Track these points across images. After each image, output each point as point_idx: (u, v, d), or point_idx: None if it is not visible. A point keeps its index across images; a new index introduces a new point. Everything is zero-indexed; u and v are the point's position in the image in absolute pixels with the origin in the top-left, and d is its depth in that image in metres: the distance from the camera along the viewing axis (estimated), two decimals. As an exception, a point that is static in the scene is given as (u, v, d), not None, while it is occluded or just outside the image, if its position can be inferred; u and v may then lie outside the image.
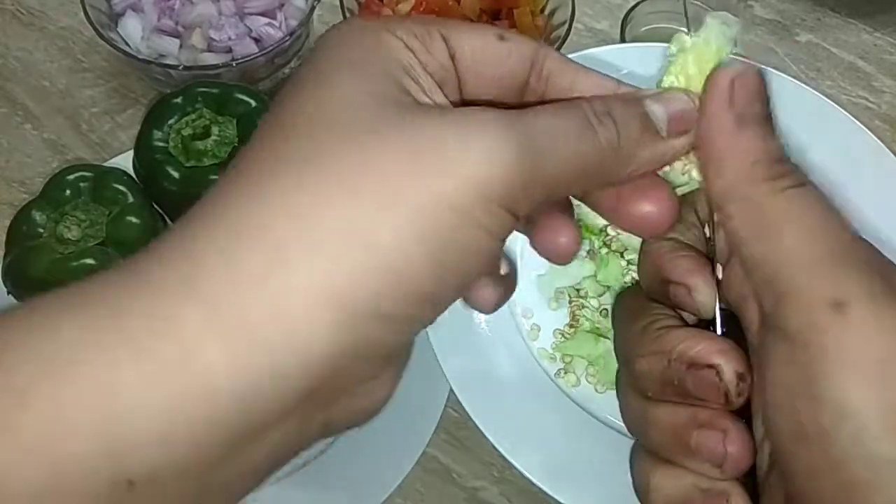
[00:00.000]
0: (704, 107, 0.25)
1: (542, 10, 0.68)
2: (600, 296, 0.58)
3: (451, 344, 0.53)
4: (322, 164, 0.21)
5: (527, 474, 0.51)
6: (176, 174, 0.54)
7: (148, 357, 0.20)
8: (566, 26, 0.65)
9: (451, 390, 0.53)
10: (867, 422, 0.22)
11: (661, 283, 0.27)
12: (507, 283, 0.28)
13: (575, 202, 0.28)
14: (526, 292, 0.57)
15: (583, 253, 0.58)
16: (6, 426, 0.19)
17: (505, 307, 0.56)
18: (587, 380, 0.55)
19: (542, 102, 0.26)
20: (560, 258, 0.27)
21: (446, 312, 0.23)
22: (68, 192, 0.53)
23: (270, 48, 0.63)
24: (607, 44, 0.71)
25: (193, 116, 0.55)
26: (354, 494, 0.54)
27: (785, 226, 0.24)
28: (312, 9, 0.65)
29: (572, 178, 0.24)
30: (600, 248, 0.58)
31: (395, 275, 0.21)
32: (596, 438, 0.53)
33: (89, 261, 0.51)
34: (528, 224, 0.27)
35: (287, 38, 0.64)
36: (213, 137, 0.55)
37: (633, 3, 0.70)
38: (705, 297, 0.26)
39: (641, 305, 0.28)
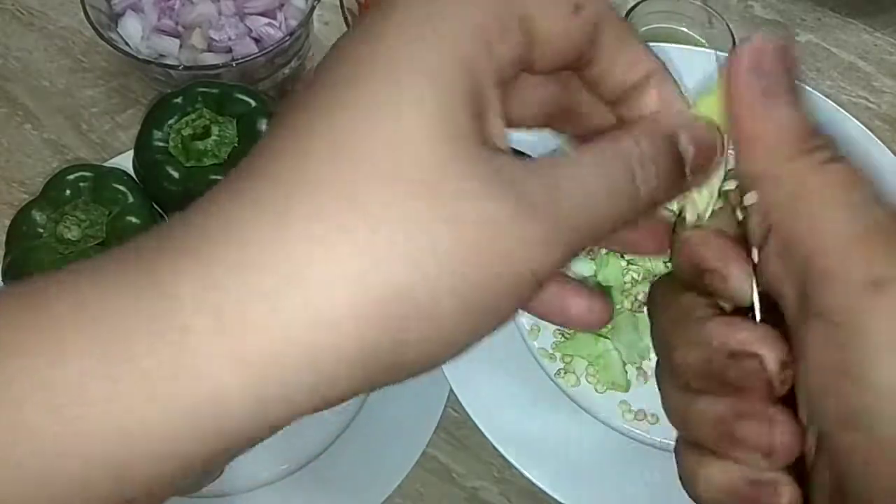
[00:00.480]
0: (730, 80, 0.24)
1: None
2: (600, 296, 0.58)
3: (451, 344, 0.53)
4: (374, 210, 0.20)
5: (527, 474, 0.51)
6: (176, 174, 0.54)
7: (156, 377, 0.20)
8: (566, 26, 0.65)
9: (451, 390, 0.53)
10: None
11: (695, 271, 0.26)
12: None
13: None
14: (526, 292, 0.57)
15: (582, 253, 0.58)
16: (8, 464, 0.19)
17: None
18: (587, 380, 0.55)
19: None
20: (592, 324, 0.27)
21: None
22: (68, 192, 0.53)
23: (270, 48, 0.63)
24: (607, 44, 0.71)
25: (193, 116, 0.55)
26: (354, 494, 0.54)
27: (821, 203, 0.23)
28: (312, 9, 0.65)
29: (606, 233, 0.23)
30: (600, 247, 0.58)
31: (426, 338, 0.21)
32: (596, 438, 0.53)
33: (89, 261, 0.51)
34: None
35: (287, 38, 0.64)
36: (213, 137, 0.55)
37: (633, 3, 0.70)
38: (741, 283, 0.25)
39: (676, 295, 0.27)
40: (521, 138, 0.26)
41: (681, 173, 0.25)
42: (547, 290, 0.25)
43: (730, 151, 0.26)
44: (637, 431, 0.53)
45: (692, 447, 0.26)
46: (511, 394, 0.54)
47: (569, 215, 0.22)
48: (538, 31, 0.23)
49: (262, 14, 0.67)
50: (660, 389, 0.28)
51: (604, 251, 0.58)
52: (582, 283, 0.27)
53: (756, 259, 0.26)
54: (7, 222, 0.53)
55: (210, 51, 0.66)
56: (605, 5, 0.24)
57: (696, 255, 0.26)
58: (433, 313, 0.21)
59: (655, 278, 0.29)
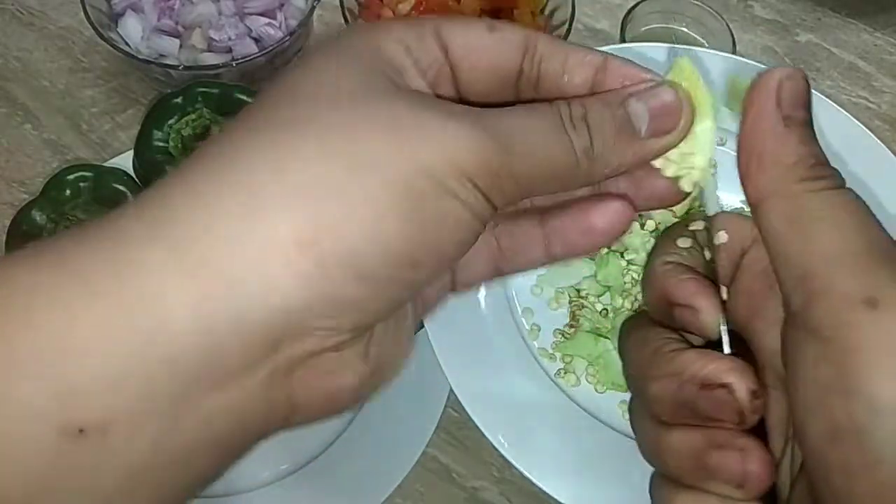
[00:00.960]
0: (750, 103, 0.25)
1: (542, 10, 0.68)
2: (600, 296, 0.58)
3: (451, 344, 0.53)
4: (302, 127, 0.22)
5: (527, 474, 0.51)
6: (176, 174, 0.54)
7: (104, 299, 0.20)
8: (566, 26, 0.65)
9: (451, 390, 0.53)
10: None
11: (666, 305, 0.27)
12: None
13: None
14: (526, 292, 0.58)
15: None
16: None
17: (505, 307, 0.56)
18: (587, 380, 0.55)
19: (534, 99, 0.26)
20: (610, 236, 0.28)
21: (445, 312, 0.23)
22: (68, 192, 0.53)
23: (270, 48, 0.63)
24: (607, 44, 0.71)
25: (193, 116, 0.56)
26: (354, 494, 0.54)
27: (821, 224, 0.24)
28: (312, 9, 0.65)
29: (545, 178, 0.25)
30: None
31: (368, 231, 0.22)
32: (596, 438, 0.53)
33: (89, 261, 0.51)
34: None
35: (287, 38, 0.64)
36: (213, 137, 0.55)
37: (633, 3, 0.70)
38: (711, 318, 0.26)
39: (648, 330, 0.28)
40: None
41: (629, 133, 0.26)
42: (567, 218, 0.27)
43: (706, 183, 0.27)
44: (637, 431, 0.53)
45: (667, 482, 0.27)
46: (511, 394, 0.54)
47: (490, 128, 0.23)
48: (454, 45, 0.26)
49: (262, 14, 0.67)
50: (633, 425, 0.28)
51: (604, 251, 0.58)
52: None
53: (724, 296, 0.27)
54: (7, 222, 0.53)
55: (210, 51, 0.66)
56: (525, 30, 0.27)
57: (668, 290, 0.27)
58: (362, 203, 0.22)
59: (628, 316, 0.30)
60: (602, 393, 0.55)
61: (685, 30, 0.71)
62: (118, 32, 0.66)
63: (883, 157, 0.60)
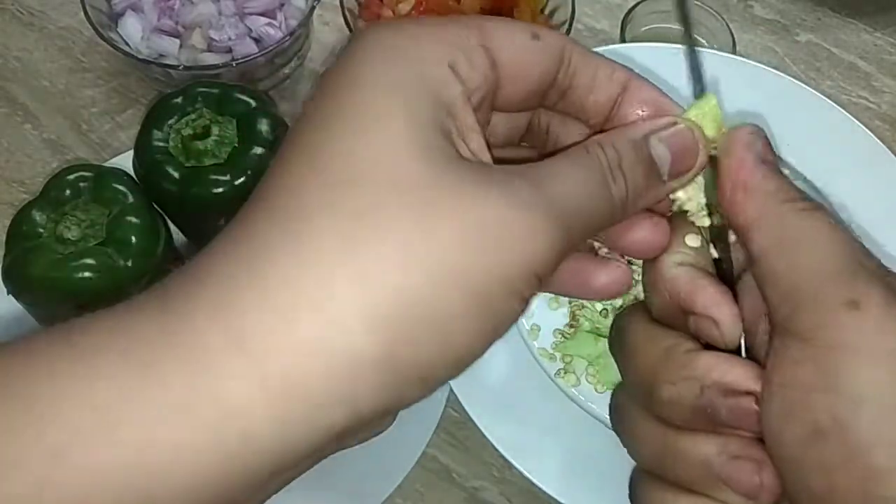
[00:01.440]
0: (729, 151, 0.26)
1: (542, 10, 0.68)
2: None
3: (451, 344, 0.52)
4: (372, 221, 0.21)
5: (527, 474, 0.51)
6: (176, 174, 0.54)
7: (187, 416, 0.20)
8: (566, 26, 0.65)
9: (451, 390, 0.53)
10: (885, 409, 0.22)
11: (679, 311, 0.27)
12: None
13: None
14: (526, 292, 0.57)
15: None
16: (42, 482, 0.19)
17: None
18: (587, 380, 0.55)
19: (555, 108, 0.27)
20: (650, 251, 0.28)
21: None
22: (68, 192, 0.53)
23: (270, 48, 0.63)
24: (607, 44, 0.71)
25: (193, 116, 0.55)
26: (354, 494, 0.54)
27: (805, 241, 0.25)
28: (312, 9, 0.65)
29: (589, 234, 0.25)
30: (600, 248, 0.58)
31: (442, 342, 0.21)
32: (596, 438, 0.53)
33: (89, 261, 0.50)
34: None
35: (287, 38, 0.64)
36: (213, 137, 0.55)
37: (633, 3, 0.70)
38: (734, 331, 0.26)
39: (655, 328, 0.27)
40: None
41: (656, 178, 0.26)
42: (568, 267, 0.27)
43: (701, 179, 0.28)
44: (637, 431, 0.53)
45: (666, 486, 0.26)
46: (511, 394, 0.54)
47: (557, 212, 0.23)
48: (501, 57, 0.25)
49: (262, 14, 0.67)
50: (625, 426, 0.28)
51: (604, 251, 0.58)
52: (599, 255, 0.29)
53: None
54: (7, 222, 0.53)
55: (210, 51, 0.66)
56: (564, 36, 0.26)
57: (684, 297, 0.26)
58: (442, 316, 0.21)
59: (619, 313, 0.30)
60: (602, 393, 0.55)
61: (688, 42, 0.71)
62: (118, 32, 0.66)
63: (883, 157, 0.60)
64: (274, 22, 0.67)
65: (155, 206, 0.55)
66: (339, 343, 0.20)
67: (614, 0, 0.76)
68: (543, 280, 0.23)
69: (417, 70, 0.23)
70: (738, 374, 0.25)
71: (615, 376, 0.55)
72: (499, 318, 0.22)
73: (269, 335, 0.20)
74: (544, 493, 0.51)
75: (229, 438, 0.20)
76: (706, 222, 0.28)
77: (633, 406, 0.28)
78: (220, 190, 0.53)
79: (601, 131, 0.27)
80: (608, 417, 0.54)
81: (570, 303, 0.58)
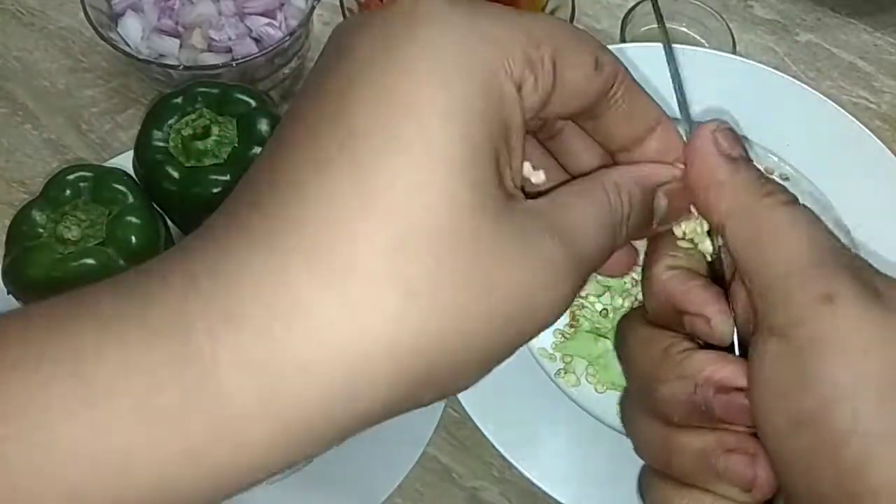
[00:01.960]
0: (692, 152, 0.27)
1: (543, 10, 0.68)
2: (600, 296, 0.58)
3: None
4: (409, 268, 0.20)
5: (527, 474, 0.51)
6: (176, 174, 0.54)
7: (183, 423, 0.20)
8: (566, 26, 0.65)
9: (451, 390, 0.53)
10: (861, 401, 0.22)
11: (673, 312, 0.27)
12: None
13: None
14: (526, 292, 0.57)
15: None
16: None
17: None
18: (587, 380, 0.55)
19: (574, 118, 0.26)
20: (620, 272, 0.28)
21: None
22: (68, 192, 0.53)
23: (270, 48, 0.63)
24: (607, 44, 0.71)
25: (193, 116, 0.55)
26: (354, 494, 0.54)
27: (780, 236, 0.25)
28: (312, 9, 0.65)
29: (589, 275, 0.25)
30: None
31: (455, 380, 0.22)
32: (596, 438, 0.53)
33: (89, 261, 0.50)
34: None
35: (287, 38, 0.64)
36: (213, 137, 0.55)
37: (633, 3, 0.70)
38: (725, 328, 0.26)
39: (653, 330, 0.28)
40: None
41: (649, 223, 0.27)
42: None
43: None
44: (637, 431, 0.53)
45: (667, 481, 0.27)
46: (511, 394, 0.54)
47: (578, 267, 0.23)
48: (563, 80, 0.23)
49: (262, 14, 0.67)
50: (628, 423, 0.29)
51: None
52: None
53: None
54: (7, 222, 0.53)
55: (210, 51, 0.66)
56: (620, 64, 0.25)
57: (677, 298, 0.27)
58: (464, 358, 0.22)
59: (621, 319, 0.30)
60: (602, 393, 0.55)
61: (685, 30, 0.71)
62: (118, 32, 0.66)
63: (883, 157, 0.60)
64: (274, 22, 0.67)
65: (155, 206, 0.55)
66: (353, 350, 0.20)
67: (614, 0, 0.76)
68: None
69: (479, 88, 0.21)
70: (730, 371, 0.25)
71: (615, 376, 0.55)
72: (511, 350, 0.24)
73: (275, 334, 0.20)
74: (544, 493, 0.51)
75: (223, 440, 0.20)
76: (696, 227, 0.28)
77: (637, 407, 0.28)
78: (220, 190, 0.53)
79: (613, 148, 0.28)
80: (608, 417, 0.55)
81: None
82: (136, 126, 0.58)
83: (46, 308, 0.20)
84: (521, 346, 0.23)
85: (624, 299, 0.57)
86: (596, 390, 0.55)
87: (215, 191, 0.53)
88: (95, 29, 0.63)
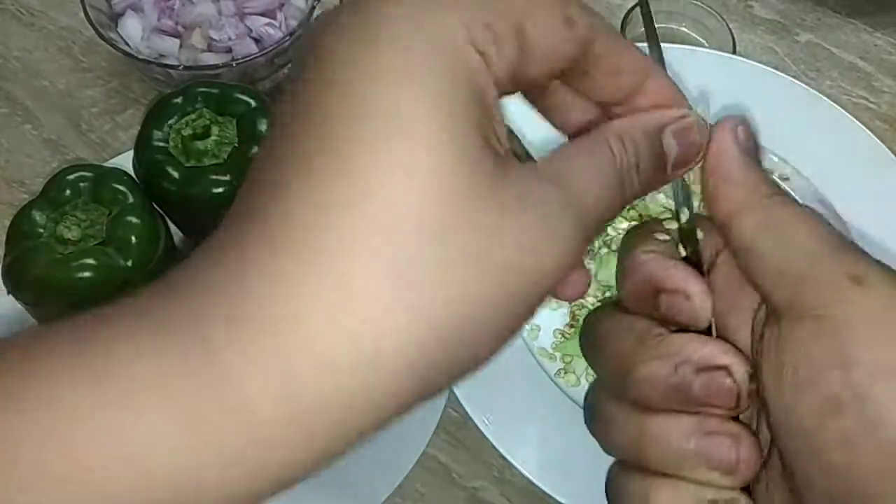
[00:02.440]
0: (713, 140, 0.27)
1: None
2: (600, 296, 0.58)
3: (451, 344, 0.52)
4: (445, 236, 0.20)
5: (526, 474, 0.51)
6: (176, 174, 0.54)
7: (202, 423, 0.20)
8: (566, 26, 0.65)
9: (451, 390, 0.53)
10: None
11: (651, 293, 0.27)
12: None
13: None
14: (526, 292, 0.57)
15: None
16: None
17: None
18: (587, 380, 0.55)
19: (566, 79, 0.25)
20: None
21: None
22: (68, 192, 0.53)
23: (270, 48, 0.63)
24: (607, 44, 0.71)
25: (193, 116, 0.55)
26: (354, 494, 0.54)
27: (797, 227, 0.25)
28: (312, 9, 0.65)
29: (599, 232, 0.25)
30: (600, 248, 0.59)
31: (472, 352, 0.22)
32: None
33: (89, 261, 0.50)
34: None
35: (287, 38, 0.64)
36: (213, 137, 0.55)
37: (632, 3, 0.70)
38: (704, 304, 0.26)
39: (628, 319, 0.27)
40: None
41: (662, 169, 0.26)
42: None
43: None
44: (637, 431, 0.53)
45: (642, 473, 0.26)
46: (511, 394, 0.54)
47: (584, 224, 0.23)
48: (530, 42, 0.22)
49: (262, 14, 0.67)
50: (601, 419, 0.28)
51: (604, 251, 0.58)
52: None
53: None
54: (7, 222, 0.53)
55: (210, 51, 0.66)
56: (596, 18, 0.24)
57: (656, 276, 0.27)
58: (475, 336, 0.21)
59: (589, 312, 0.30)
60: (602, 393, 0.55)
61: (685, 30, 0.71)
62: (118, 32, 0.66)
63: (883, 157, 0.60)
64: (274, 22, 0.67)
65: (155, 206, 0.55)
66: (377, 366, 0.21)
67: (614, 0, 0.76)
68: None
69: (450, 62, 0.21)
70: (710, 349, 0.25)
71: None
72: (520, 321, 0.23)
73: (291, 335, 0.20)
74: (544, 493, 0.51)
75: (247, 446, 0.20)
76: (674, 225, 0.29)
77: (608, 398, 0.28)
78: (220, 190, 0.53)
79: (606, 103, 0.27)
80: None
81: (569, 303, 0.58)
82: (136, 126, 0.58)
83: (69, 329, 0.21)
84: (537, 305, 0.22)
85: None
86: (596, 390, 0.55)
87: (215, 191, 0.53)
88: (95, 29, 0.63)
